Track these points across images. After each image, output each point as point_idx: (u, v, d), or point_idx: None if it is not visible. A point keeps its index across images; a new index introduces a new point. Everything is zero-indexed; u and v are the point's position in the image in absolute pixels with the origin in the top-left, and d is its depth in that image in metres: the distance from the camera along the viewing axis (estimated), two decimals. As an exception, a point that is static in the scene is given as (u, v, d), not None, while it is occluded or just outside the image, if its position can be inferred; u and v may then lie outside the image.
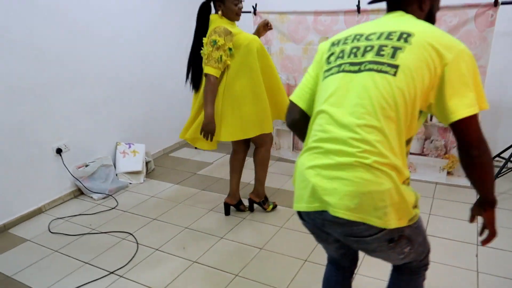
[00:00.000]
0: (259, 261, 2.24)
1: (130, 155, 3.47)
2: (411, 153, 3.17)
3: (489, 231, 1.21)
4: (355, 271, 1.51)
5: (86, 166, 3.18)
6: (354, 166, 1.04)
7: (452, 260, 2.13)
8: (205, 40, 2.29)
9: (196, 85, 2.47)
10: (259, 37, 2.53)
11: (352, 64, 1.13)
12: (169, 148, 4.15)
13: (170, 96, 4.03)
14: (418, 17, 1.18)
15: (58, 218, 2.83)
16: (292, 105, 1.33)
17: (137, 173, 3.42)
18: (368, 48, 1.12)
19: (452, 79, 1.03)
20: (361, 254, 1.45)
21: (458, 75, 1.03)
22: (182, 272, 2.18)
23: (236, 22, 2.43)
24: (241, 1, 2.36)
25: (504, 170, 2.93)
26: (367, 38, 1.15)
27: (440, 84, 1.04)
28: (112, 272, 2.20)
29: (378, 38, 1.12)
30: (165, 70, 3.92)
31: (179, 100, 4.16)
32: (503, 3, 2.59)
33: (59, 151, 3.00)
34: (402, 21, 1.16)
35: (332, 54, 1.22)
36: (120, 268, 2.23)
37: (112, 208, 2.94)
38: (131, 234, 2.58)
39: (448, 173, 3.07)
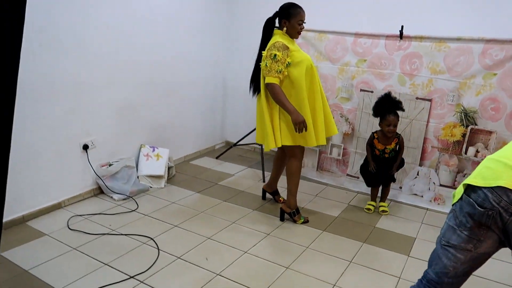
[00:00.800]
0: (285, 281, 2.14)
1: (153, 159, 3.42)
2: (441, 185, 3.09)
3: None
4: None
5: (110, 165, 3.13)
6: None
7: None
8: (264, 53, 2.46)
9: (255, 91, 2.67)
10: None
11: None
12: (190, 155, 4.10)
13: (195, 104, 4.03)
14: None
15: (78, 215, 2.77)
16: None
17: (158, 177, 3.37)
18: None
19: None
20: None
21: None
22: (205, 284, 2.09)
23: None
24: (303, 22, 2.55)
25: None
26: None
27: None
28: (132, 277, 2.11)
29: None
30: (192, 79, 3.93)
31: (203, 109, 4.17)
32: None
33: (85, 147, 2.96)
34: None
35: None
36: (141, 273, 2.14)
37: (133, 211, 2.87)
38: (152, 239, 2.50)
39: (479, 209, 2.97)
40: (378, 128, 2.90)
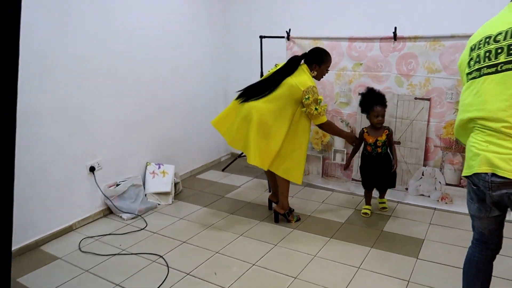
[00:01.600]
0: (294, 291, 2.16)
1: (160, 176, 3.48)
2: (447, 184, 3.07)
3: None
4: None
5: (117, 185, 3.19)
6: None
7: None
8: (307, 100, 2.63)
9: (248, 97, 2.76)
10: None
11: (489, 66, 1.39)
12: (196, 170, 4.15)
13: (198, 116, 4.07)
14: None
15: (89, 237, 2.83)
16: None
17: (165, 194, 3.41)
18: (499, 50, 1.36)
19: None
20: None
21: None
22: (214, 299, 2.12)
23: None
24: (328, 70, 2.85)
25: None
26: (495, 40, 1.39)
27: None
28: (143, 296, 2.15)
29: (505, 38, 1.35)
30: (195, 94, 4.00)
31: (207, 121, 4.18)
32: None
33: (92, 169, 3.03)
34: None
35: (471, 59, 1.48)
36: (152, 292, 2.19)
37: (142, 229, 2.92)
38: (161, 256, 2.54)
39: (488, 205, 2.95)
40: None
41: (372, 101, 2.83)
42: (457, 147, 2.99)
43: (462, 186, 3.02)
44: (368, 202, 3.06)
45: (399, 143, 3.19)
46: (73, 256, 2.59)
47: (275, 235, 2.77)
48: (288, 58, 2.88)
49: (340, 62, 3.34)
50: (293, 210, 2.99)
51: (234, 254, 2.55)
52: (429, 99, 3.03)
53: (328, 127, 2.82)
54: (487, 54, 1.40)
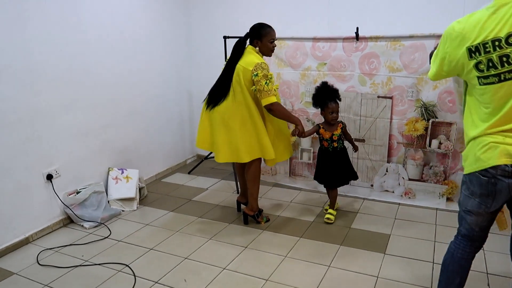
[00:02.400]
0: (266, 294, 2.14)
1: (123, 181, 3.35)
2: (410, 179, 3.17)
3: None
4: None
5: (78, 192, 3.04)
6: None
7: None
8: (256, 77, 2.52)
9: (215, 102, 2.68)
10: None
11: (510, 71, 1.38)
12: (161, 173, 4.04)
13: (161, 120, 3.98)
14: None
15: (47, 249, 2.66)
16: None
17: (130, 199, 3.29)
18: None
19: None
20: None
21: None
22: (185, 307, 2.05)
23: None
24: (274, 41, 2.70)
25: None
26: (508, 43, 1.36)
27: None
28: (109, 308, 2.05)
29: None
30: (157, 96, 3.89)
31: (170, 123, 4.12)
32: None
33: (49, 177, 2.86)
34: None
35: (479, 62, 1.44)
36: (118, 303, 2.09)
37: (105, 238, 2.79)
38: (127, 265, 2.44)
39: (448, 199, 3.07)
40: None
41: (326, 97, 2.79)
42: (418, 143, 3.08)
43: (424, 181, 3.12)
44: (332, 206, 2.97)
45: (363, 140, 3.25)
46: (31, 270, 2.43)
47: (245, 237, 2.73)
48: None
49: (305, 61, 3.36)
50: (262, 211, 2.97)
51: (204, 259, 2.49)
52: (391, 97, 3.11)
53: (277, 109, 2.62)
54: (504, 58, 1.38)
